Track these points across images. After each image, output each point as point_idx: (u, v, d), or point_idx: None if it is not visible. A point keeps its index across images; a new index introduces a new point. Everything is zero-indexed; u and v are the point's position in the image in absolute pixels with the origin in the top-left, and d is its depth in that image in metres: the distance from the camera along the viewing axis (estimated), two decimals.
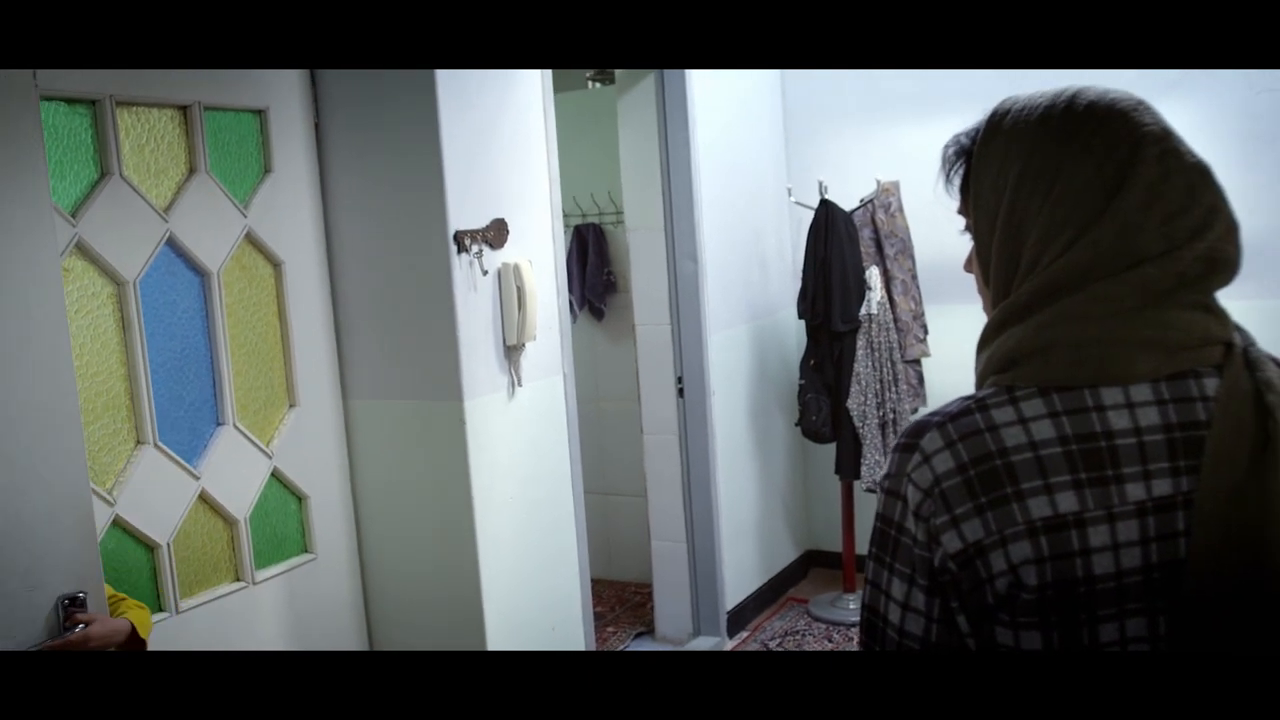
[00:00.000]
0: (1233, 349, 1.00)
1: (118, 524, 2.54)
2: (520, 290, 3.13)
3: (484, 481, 3.08)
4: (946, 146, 1.11)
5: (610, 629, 4.69)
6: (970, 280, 1.14)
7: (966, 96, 4.45)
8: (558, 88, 3.47)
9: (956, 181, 1.11)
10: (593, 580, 3.58)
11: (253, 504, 2.89)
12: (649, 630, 4.61)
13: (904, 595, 1.00)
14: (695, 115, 4.23)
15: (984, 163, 1.06)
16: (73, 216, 2.43)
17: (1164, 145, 1.00)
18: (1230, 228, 1.00)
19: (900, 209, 4.49)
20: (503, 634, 3.14)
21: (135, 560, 2.61)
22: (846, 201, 4.56)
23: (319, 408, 3.08)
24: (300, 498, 3.04)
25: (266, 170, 2.92)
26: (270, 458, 2.93)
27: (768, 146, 4.89)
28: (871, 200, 4.50)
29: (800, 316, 4.55)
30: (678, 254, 4.29)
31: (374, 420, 3.15)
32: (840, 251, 4.38)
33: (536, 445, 3.33)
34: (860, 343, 4.43)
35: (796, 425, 4.71)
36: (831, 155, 4.89)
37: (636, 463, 4.79)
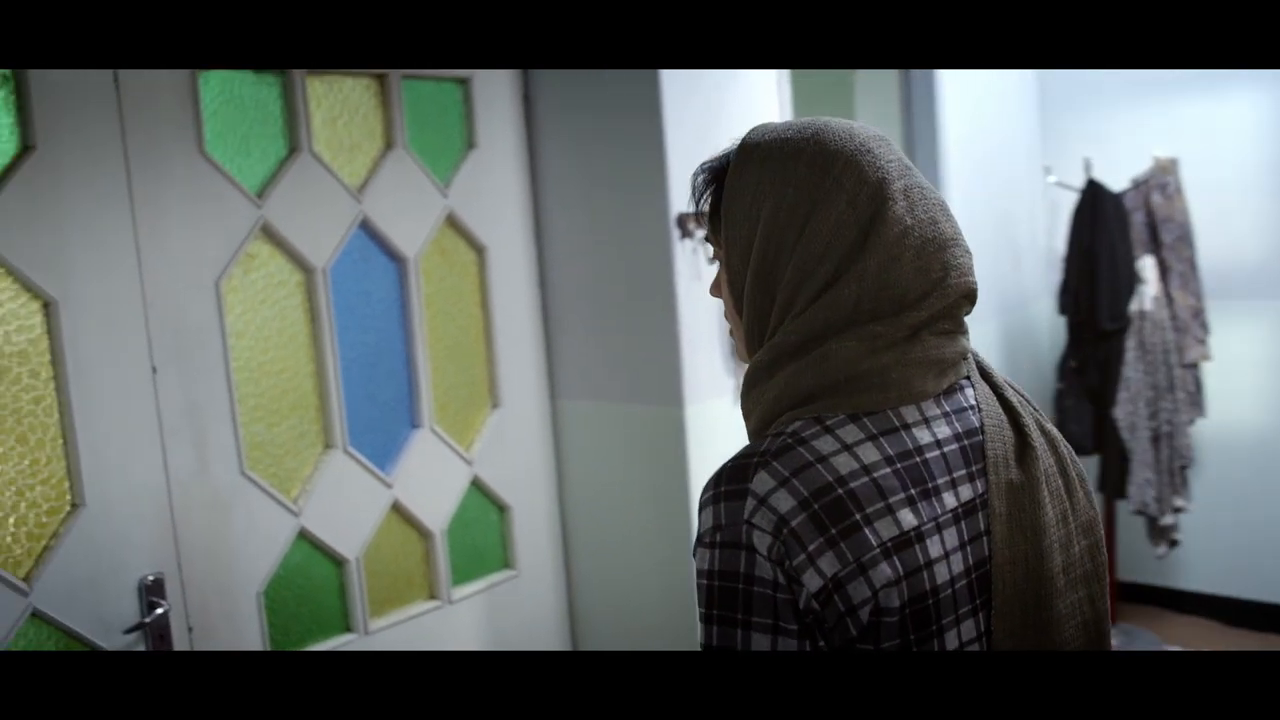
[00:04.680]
0: (968, 360, 1.10)
1: (304, 536, 2.32)
2: None
3: None
4: (695, 174, 1.14)
5: None
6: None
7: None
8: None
9: (706, 208, 1.14)
10: None
11: (450, 515, 2.63)
12: None
13: (770, 647, 0.96)
14: (942, 93, 3.78)
15: (736, 194, 1.08)
16: (258, 197, 2.21)
17: (908, 179, 1.04)
18: (967, 254, 1.05)
19: (1179, 190, 3.95)
20: None
21: (322, 576, 2.38)
22: (1116, 182, 4.04)
23: (524, 409, 2.80)
24: (502, 508, 2.77)
25: (470, 145, 2.65)
26: (470, 464, 2.66)
27: (1020, 119, 4.38)
28: (1146, 180, 3.97)
29: (1060, 312, 4.05)
30: None
31: (584, 424, 2.85)
32: (1109, 239, 3.88)
33: None
34: (1130, 343, 3.92)
35: None
36: (1097, 129, 4.34)
37: None
